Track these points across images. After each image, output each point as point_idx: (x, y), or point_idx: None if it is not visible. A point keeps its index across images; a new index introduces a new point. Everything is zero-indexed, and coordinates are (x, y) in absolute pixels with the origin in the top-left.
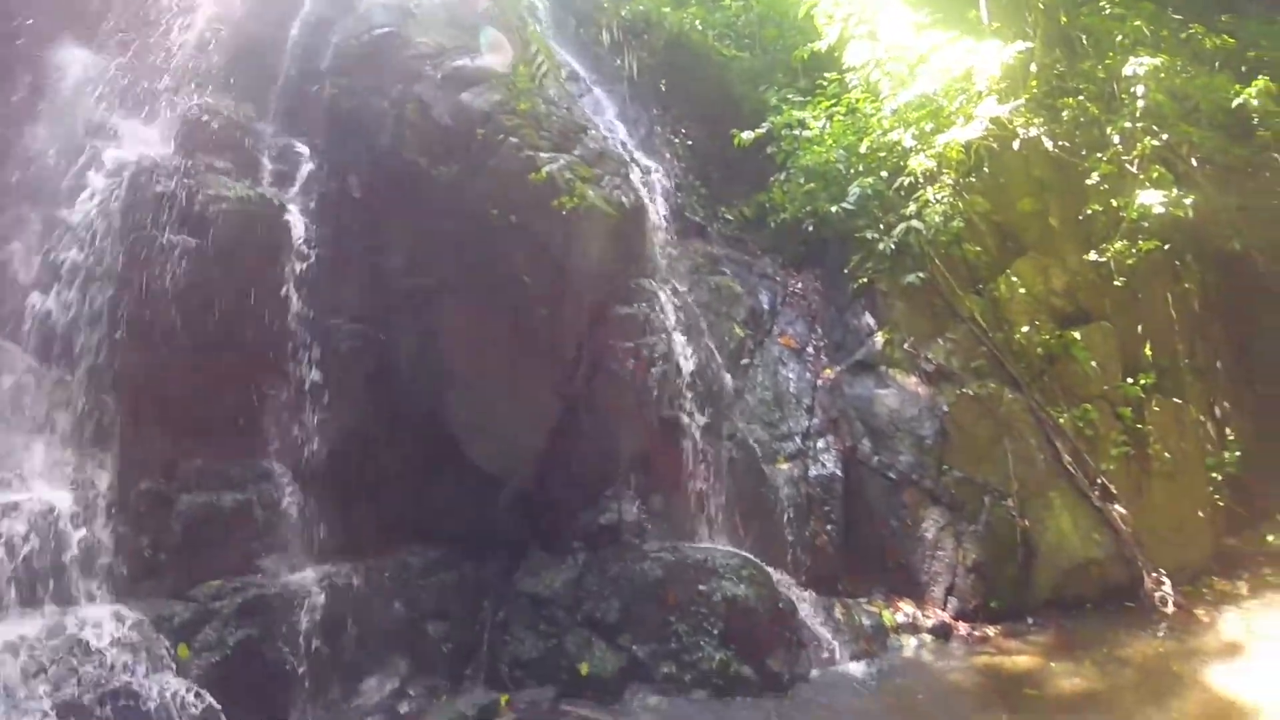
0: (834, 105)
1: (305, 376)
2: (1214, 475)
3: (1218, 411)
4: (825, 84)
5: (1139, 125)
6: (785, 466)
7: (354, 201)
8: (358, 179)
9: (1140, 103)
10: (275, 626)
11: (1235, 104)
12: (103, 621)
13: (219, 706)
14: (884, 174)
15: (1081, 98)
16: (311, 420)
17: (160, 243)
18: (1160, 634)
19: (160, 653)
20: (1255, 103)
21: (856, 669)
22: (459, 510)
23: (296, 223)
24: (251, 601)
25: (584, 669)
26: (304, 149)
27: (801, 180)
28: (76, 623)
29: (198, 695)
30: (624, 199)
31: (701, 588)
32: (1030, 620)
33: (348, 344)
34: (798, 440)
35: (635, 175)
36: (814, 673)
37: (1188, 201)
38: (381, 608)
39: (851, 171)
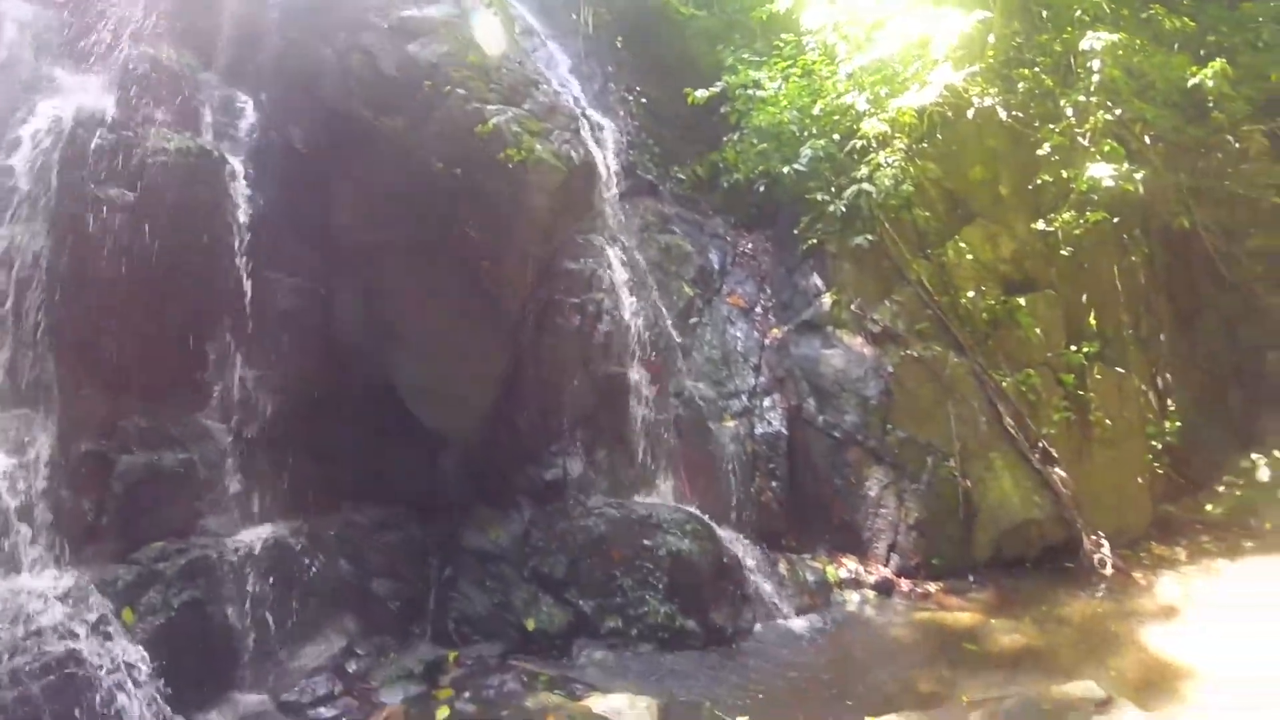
0: (790, 67)
1: (247, 333)
2: (1154, 444)
3: (1160, 383)
4: (782, 45)
5: (1093, 99)
6: (731, 424)
7: (297, 154)
8: (301, 131)
9: (1095, 77)
10: (220, 588)
11: (1190, 84)
12: (45, 588)
13: (166, 670)
14: (836, 137)
15: (1038, 70)
16: (254, 378)
17: (98, 196)
18: (1099, 595)
19: (105, 617)
20: (1210, 84)
21: (800, 623)
22: (405, 468)
23: (238, 176)
24: (195, 563)
25: (531, 624)
26: (247, 100)
27: (754, 141)
28: (18, 590)
29: (144, 659)
30: (573, 154)
31: (646, 543)
32: (971, 578)
33: (290, 300)
34: (744, 398)
35: (586, 131)
36: (758, 627)
37: (1138, 176)
38: (327, 567)
39: (804, 133)
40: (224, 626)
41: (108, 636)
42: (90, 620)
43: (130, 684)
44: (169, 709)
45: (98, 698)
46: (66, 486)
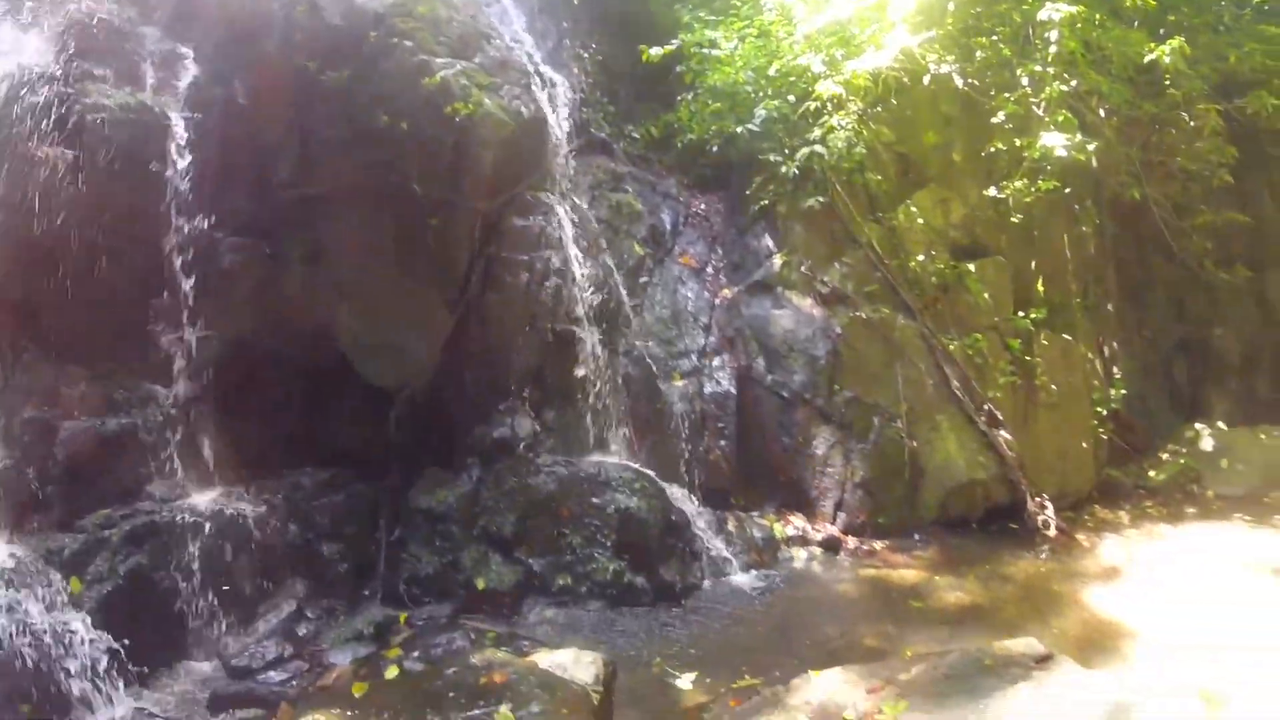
0: (746, 27)
1: (189, 293)
2: (1099, 410)
3: (1106, 351)
4: (739, 5)
5: (1049, 70)
6: (680, 383)
7: (240, 109)
8: (244, 85)
9: (1053, 48)
10: (167, 554)
11: (1147, 60)
12: None
13: (115, 638)
14: (791, 98)
15: (995, 38)
16: (198, 340)
17: (37, 156)
18: (1042, 555)
19: (53, 588)
20: (1167, 60)
21: (748, 579)
22: (351, 428)
23: (179, 132)
24: (141, 528)
25: (481, 583)
26: (188, 54)
27: (709, 100)
28: None
29: (93, 628)
30: (523, 109)
31: (595, 500)
32: (916, 536)
33: (232, 258)
34: (694, 358)
35: (538, 87)
36: (707, 583)
37: (1090, 148)
38: (275, 530)
39: (759, 94)
40: (172, 592)
41: (55, 606)
42: (36, 590)
43: (79, 653)
44: (118, 677)
45: (46, 669)
46: (9, 455)
